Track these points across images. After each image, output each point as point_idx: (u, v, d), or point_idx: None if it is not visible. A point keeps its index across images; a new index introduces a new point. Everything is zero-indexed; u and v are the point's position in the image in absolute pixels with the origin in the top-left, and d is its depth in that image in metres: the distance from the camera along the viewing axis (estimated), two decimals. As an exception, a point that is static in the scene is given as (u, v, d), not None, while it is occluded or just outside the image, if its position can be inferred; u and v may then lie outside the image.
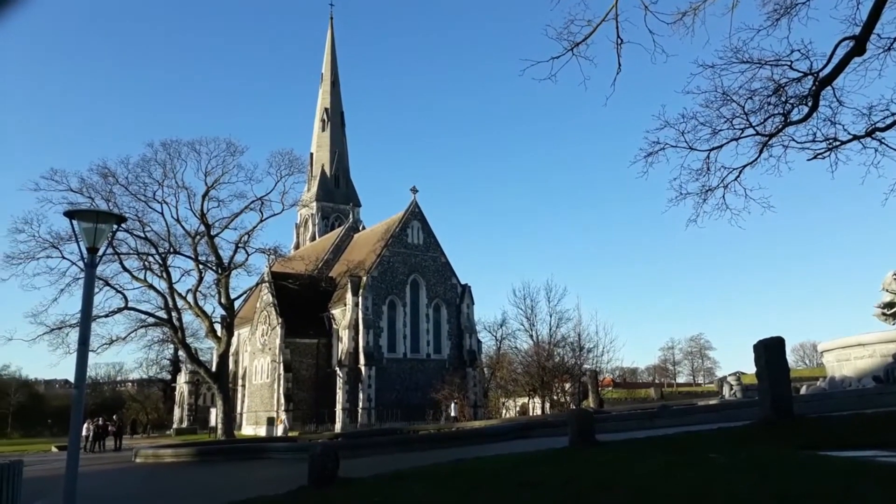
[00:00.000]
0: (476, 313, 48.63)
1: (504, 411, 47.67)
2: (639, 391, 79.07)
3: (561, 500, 6.79)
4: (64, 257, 34.81)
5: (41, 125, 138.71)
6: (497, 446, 17.21)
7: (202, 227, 38.34)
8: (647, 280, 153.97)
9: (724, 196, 13.41)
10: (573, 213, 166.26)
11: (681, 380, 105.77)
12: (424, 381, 42.68)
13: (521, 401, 48.09)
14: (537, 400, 42.90)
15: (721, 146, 13.24)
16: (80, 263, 32.75)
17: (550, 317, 43.02)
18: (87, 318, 9.55)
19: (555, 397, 41.83)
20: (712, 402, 30.89)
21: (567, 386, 42.00)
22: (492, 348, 55.03)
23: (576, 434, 12.22)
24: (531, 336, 44.72)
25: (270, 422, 41.57)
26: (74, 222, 9.45)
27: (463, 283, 48.01)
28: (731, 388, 31.68)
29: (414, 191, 47.79)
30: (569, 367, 41.87)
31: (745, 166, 13.31)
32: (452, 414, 37.10)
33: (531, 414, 42.08)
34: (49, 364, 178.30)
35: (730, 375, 34.90)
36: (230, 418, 39.21)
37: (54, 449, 36.17)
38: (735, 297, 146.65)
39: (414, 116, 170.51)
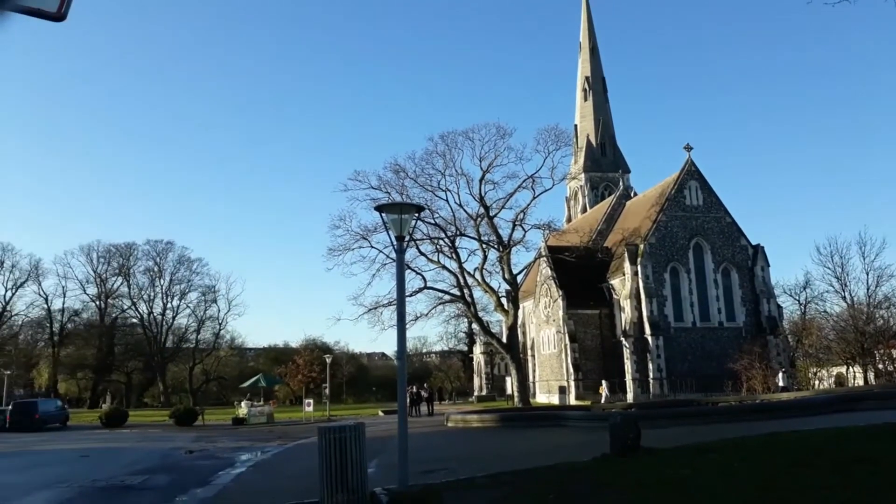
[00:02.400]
0: (773, 276, 44.24)
1: (816, 382, 42.84)
2: None
3: (909, 481, 5.96)
4: (372, 246, 39.50)
5: (353, 128, 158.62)
6: (813, 420, 15.58)
7: (482, 210, 40.67)
8: None
9: None
10: (886, 150, 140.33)
11: None
12: (718, 350, 40.17)
13: (835, 370, 42.81)
14: (857, 369, 37.75)
15: None
16: (387, 251, 37.25)
17: (867, 274, 37.62)
18: (401, 297, 10.91)
19: (880, 366, 36.41)
20: None
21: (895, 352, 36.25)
22: (794, 313, 49.80)
23: (918, 408, 10.55)
24: (843, 298, 39.60)
25: (562, 390, 42.85)
26: (383, 215, 10.88)
27: (754, 243, 43.97)
28: None
29: (688, 148, 44.89)
30: (896, 331, 36.12)
31: None
32: (781, 384, 34.23)
33: (850, 385, 37.21)
34: (369, 339, 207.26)
35: None
36: (525, 386, 41.24)
37: (381, 413, 41.74)
38: None
39: (681, 71, 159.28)
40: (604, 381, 39.73)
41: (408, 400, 37.64)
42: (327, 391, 42.69)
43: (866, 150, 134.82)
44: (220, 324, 76.08)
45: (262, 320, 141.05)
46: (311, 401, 40.71)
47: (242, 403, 40.78)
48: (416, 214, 11.76)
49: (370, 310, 39.24)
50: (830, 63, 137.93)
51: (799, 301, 49.39)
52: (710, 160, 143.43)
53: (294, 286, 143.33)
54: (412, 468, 10.11)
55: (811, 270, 67.24)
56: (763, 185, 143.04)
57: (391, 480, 9.82)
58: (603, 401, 37.12)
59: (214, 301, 75.08)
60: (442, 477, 10.79)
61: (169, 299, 74.10)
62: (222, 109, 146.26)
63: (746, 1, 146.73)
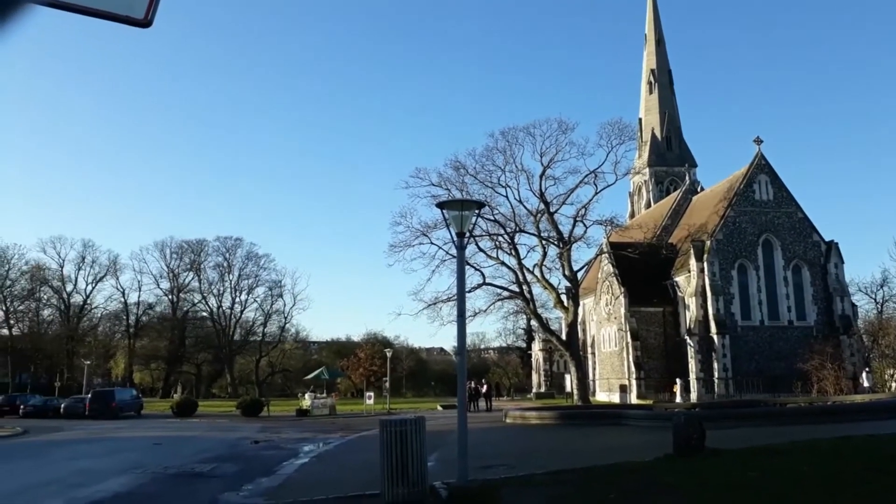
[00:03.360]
0: (847, 273, 42.32)
1: (893, 384, 40.81)
2: None
3: None
4: (432, 243, 39.75)
5: (417, 125, 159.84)
6: (889, 424, 14.89)
7: (542, 206, 40.34)
8: None
9: None
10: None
11: None
12: (787, 350, 38.67)
13: (915, 372, 40.65)
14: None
15: None
16: (446, 247, 37.46)
17: (952, 272, 35.29)
18: (462, 293, 10.99)
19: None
20: None
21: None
22: (870, 312, 47.53)
23: None
24: (925, 296, 37.32)
25: (623, 389, 42.16)
26: (444, 212, 10.95)
27: (827, 239, 42.12)
28: None
29: (758, 142, 43.28)
30: (985, 332, 33.94)
31: None
32: (865, 384, 32.71)
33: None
34: (429, 334, 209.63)
35: None
36: (584, 384, 40.77)
37: (439, 408, 42.01)
38: None
39: (751, 62, 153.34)
40: (678, 380, 38.82)
41: (467, 395, 37.90)
42: (387, 385, 43.30)
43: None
44: (285, 318, 78.21)
45: (325, 314, 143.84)
46: (372, 394, 41.35)
47: (306, 395, 41.80)
48: (477, 211, 11.82)
49: (430, 305, 39.55)
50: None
51: (875, 300, 47.25)
52: (782, 154, 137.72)
53: (356, 282, 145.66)
54: (471, 463, 10.15)
55: (889, 268, 63.78)
56: (838, 178, 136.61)
57: (450, 475, 9.90)
58: (678, 399, 36.35)
59: (280, 296, 77.19)
60: (501, 473, 10.82)
61: (237, 294, 76.61)
62: (289, 106, 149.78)
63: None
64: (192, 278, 77.67)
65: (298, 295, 78.39)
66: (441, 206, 11.23)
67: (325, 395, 43.07)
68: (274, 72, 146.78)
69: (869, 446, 9.07)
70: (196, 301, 78.59)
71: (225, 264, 76.20)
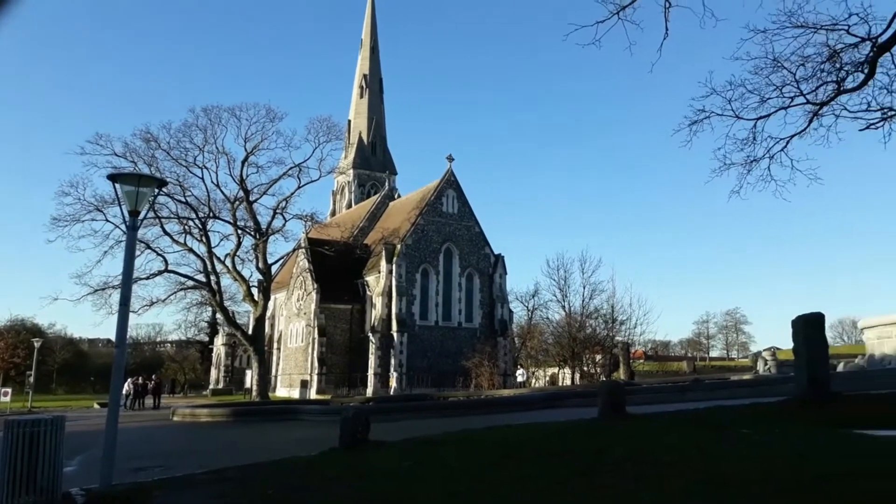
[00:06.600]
0: (508, 283, 48.73)
1: (534, 381, 47.96)
2: (671, 364, 78.44)
3: (592, 470, 6.80)
4: (108, 220, 35.58)
5: (87, 91, 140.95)
6: (527, 415, 17.39)
7: (241, 193, 38.84)
8: (684, 252, 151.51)
9: (769, 167, 13.14)
10: (612, 182, 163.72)
11: (714, 354, 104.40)
12: (455, 348, 43.02)
13: (550, 371, 48.26)
14: (567, 370, 42.96)
15: (769, 115, 12.84)
16: (123, 226, 33.61)
17: (584, 288, 42.70)
18: (128, 279, 9.78)
19: (585, 368, 41.79)
20: (746, 377, 30.63)
21: (598, 357, 41.90)
22: (523, 318, 55.14)
23: (606, 405, 12.22)
24: (563, 307, 44.53)
25: (304, 384, 42.44)
26: (117, 186, 9.62)
27: (496, 253, 47.98)
28: (766, 364, 31.36)
29: (450, 159, 47.60)
30: (600, 339, 41.70)
31: (793, 136, 12.92)
32: (520, 380, 37.66)
33: (560, 384, 42.23)
34: (93, 324, 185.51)
35: (765, 350, 34.56)
36: (265, 380, 40.11)
37: (96, 405, 37.52)
38: (773, 271, 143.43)
39: (454, 84, 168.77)
40: (394, 373, 40.23)
41: (130, 391, 34.51)
42: (31, 379, 37.20)
43: (595, 176, 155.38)
44: None
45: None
46: (10, 390, 35.29)
47: (-85, 392, 33.88)
48: (157, 189, 10.66)
49: (96, 290, 35.28)
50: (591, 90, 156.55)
51: (528, 307, 54.72)
52: (470, 169, 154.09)
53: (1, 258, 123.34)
54: (123, 465, 9.20)
55: (541, 281, 74.98)
56: (514, 196, 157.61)
57: (95, 479, 8.75)
58: (392, 392, 37.74)
59: None
60: (157, 474, 9.92)
61: None
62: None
63: (524, 17, 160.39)
64: None
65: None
66: (113, 178, 9.76)
67: (-56, 390, 35.38)
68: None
69: (506, 435, 10.37)
70: None
71: None
